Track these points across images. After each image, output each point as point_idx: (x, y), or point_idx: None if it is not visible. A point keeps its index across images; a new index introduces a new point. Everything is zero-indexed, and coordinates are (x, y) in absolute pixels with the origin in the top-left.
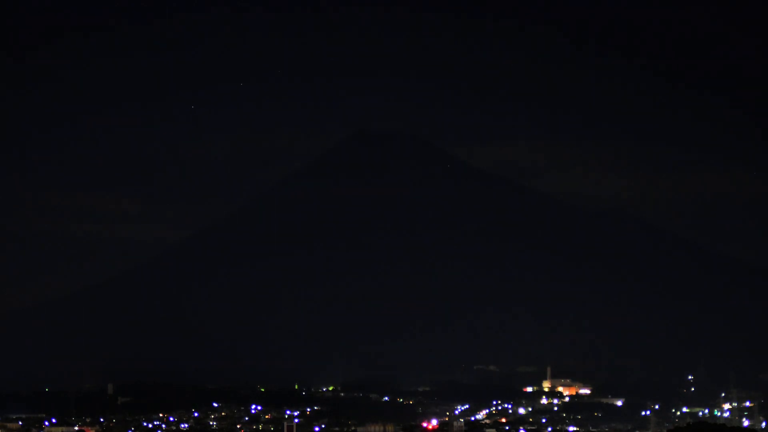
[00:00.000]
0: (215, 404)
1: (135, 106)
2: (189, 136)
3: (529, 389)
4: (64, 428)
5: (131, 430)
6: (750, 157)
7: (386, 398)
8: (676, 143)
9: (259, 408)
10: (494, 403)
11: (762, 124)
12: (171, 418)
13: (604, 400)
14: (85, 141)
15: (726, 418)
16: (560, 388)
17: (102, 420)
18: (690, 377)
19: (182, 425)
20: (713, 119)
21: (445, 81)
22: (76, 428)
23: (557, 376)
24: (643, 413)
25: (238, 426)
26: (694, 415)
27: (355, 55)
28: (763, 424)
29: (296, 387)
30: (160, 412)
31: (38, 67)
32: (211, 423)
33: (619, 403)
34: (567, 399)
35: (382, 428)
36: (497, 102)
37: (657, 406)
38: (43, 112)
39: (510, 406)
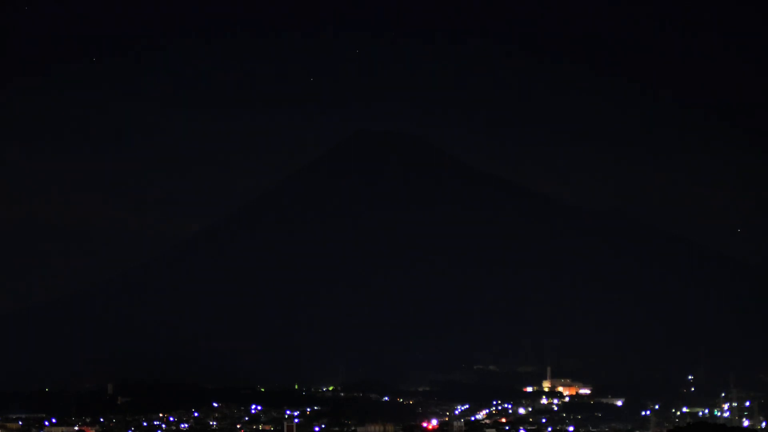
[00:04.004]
0: (215, 404)
1: (135, 106)
2: (189, 137)
3: (529, 389)
4: (64, 428)
5: (131, 430)
6: (749, 157)
7: (386, 398)
8: (676, 144)
9: (259, 408)
10: (494, 403)
11: (759, 125)
12: (171, 418)
13: (604, 400)
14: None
15: (726, 418)
16: (560, 388)
17: (102, 420)
18: (690, 377)
19: (182, 425)
20: (711, 121)
21: (445, 82)
22: (76, 428)
23: (557, 376)
24: (643, 413)
25: (238, 426)
26: (694, 415)
27: (356, 55)
28: (763, 424)
29: (296, 387)
30: (160, 412)
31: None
32: (211, 423)
33: (619, 403)
34: (567, 399)
35: (382, 428)
36: (496, 102)
37: (657, 406)
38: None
39: (510, 406)
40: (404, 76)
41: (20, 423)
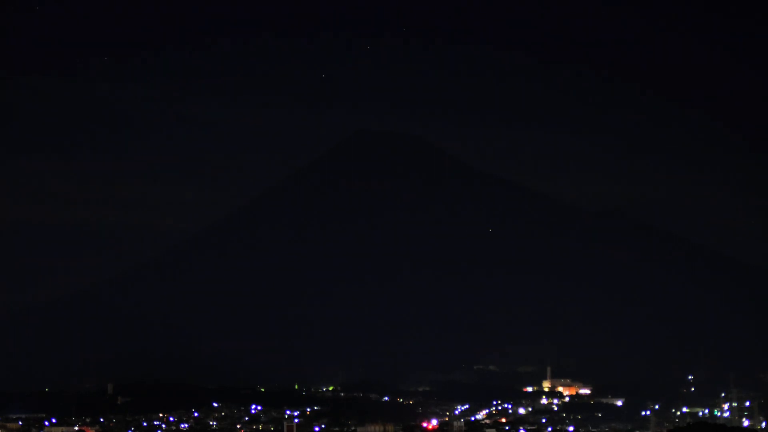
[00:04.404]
0: (215, 404)
1: (135, 107)
2: (189, 137)
3: (529, 389)
4: (64, 428)
5: (131, 430)
6: (750, 157)
7: (386, 398)
8: (677, 144)
9: (259, 408)
10: (494, 403)
11: (757, 124)
12: (171, 418)
13: (604, 400)
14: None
15: (726, 418)
16: (560, 388)
17: (102, 420)
18: (690, 377)
19: (182, 425)
20: (711, 121)
21: (445, 82)
22: (76, 428)
23: (557, 376)
24: (643, 413)
25: (238, 426)
26: (694, 415)
27: (356, 55)
28: (763, 424)
29: (296, 387)
30: (160, 412)
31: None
32: (211, 423)
33: (619, 403)
34: (567, 399)
35: (382, 428)
36: (496, 103)
37: (657, 406)
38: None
39: (510, 406)
40: (404, 76)
41: (20, 423)
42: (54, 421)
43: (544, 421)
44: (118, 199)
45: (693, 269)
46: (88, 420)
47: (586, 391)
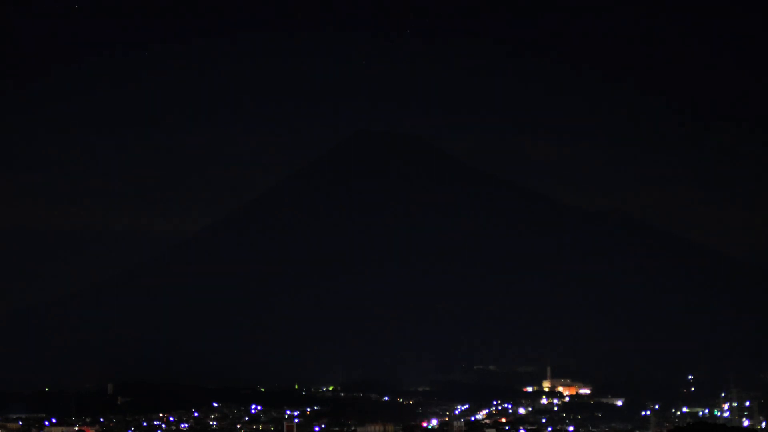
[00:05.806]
0: (215, 404)
1: (135, 107)
2: (189, 137)
3: (529, 389)
4: (64, 428)
5: (131, 430)
6: (750, 157)
7: (386, 398)
8: (677, 145)
9: (259, 408)
10: (494, 403)
11: (757, 123)
12: (171, 418)
13: (604, 400)
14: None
15: (726, 418)
16: (560, 388)
17: (102, 420)
18: (690, 377)
19: (182, 425)
20: (711, 121)
21: (446, 82)
22: (76, 428)
23: (557, 376)
24: (643, 413)
25: (238, 426)
26: (694, 415)
27: (356, 54)
28: (763, 424)
29: (296, 387)
30: (160, 412)
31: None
32: (211, 423)
33: (619, 403)
34: (567, 399)
35: (382, 428)
36: (496, 103)
37: (657, 406)
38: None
39: (510, 406)
40: (404, 76)
41: (20, 423)
42: (54, 421)
43: (544, 421)
44: (119, 199)
45: (693, 269)
46: (88, 420)
47: (586, 391)
